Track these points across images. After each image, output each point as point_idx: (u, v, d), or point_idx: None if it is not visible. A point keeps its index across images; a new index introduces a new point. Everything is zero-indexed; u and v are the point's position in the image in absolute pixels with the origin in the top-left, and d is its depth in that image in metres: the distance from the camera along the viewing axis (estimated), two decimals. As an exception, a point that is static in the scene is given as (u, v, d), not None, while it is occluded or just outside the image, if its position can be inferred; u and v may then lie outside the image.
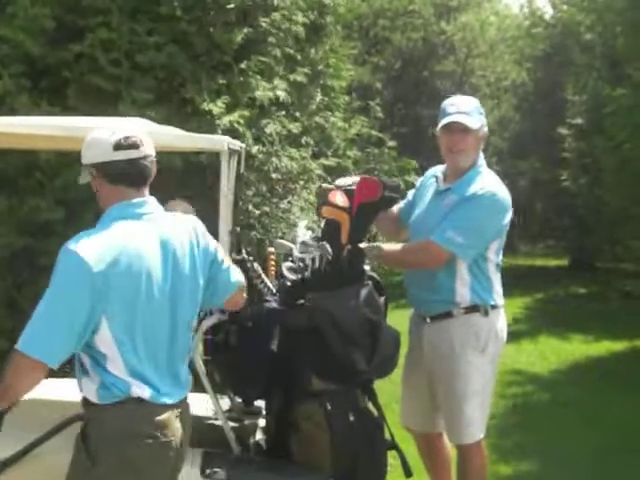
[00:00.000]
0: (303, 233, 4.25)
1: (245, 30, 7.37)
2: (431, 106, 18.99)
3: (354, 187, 4.27)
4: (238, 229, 4.26)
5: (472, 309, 4.47)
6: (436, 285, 4.48)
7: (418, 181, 5.00)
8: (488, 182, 4.50)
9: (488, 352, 4.48)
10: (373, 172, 12.25)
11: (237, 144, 4.33)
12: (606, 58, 15.70)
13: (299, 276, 4.06)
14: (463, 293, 4.46)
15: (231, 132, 6.62)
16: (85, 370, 3.16)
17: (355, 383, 4.03)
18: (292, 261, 4.16)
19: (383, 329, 4.05)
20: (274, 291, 4.21)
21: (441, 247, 4.35)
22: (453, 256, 4.38)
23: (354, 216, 4.14)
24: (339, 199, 4.16)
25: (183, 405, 3.33)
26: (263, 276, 4.25)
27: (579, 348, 10.79)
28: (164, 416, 3.18)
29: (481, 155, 4.62)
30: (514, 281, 13.24)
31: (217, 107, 6.77)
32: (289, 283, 4.09)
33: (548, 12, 21.31)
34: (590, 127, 15.91)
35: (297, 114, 7.99)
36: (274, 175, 7.50)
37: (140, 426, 3.13)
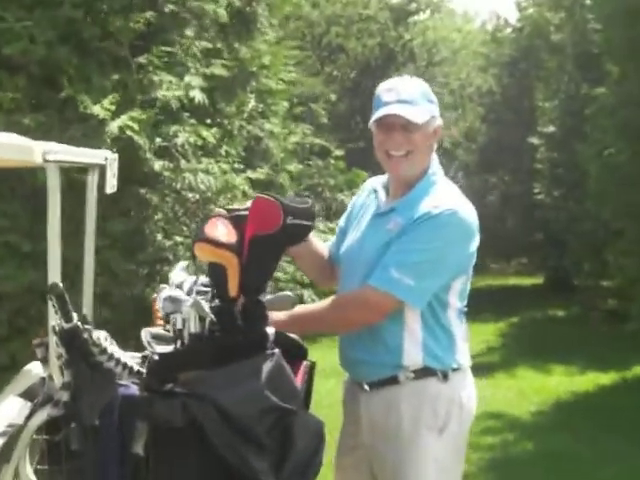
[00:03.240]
0: (178, 282, 2.93)
1: (148, 15, 5.94)
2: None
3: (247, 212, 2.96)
4: (59, 283, 2.90)
5: (425, 372, 3.24)
6: (377, 344, 3.25)
7: (351, 202, 3.69)
8: (445, 197, 3.22)
9: (449, 431, 3.25)
10: (317, 187, 11.17)
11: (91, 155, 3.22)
12: (577, 59, 15.05)
13: (169, 347, 2.84)
14: (413, 353, 3.23)
15: (124, 141, 5.24)
16: None
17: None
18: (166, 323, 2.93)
19: (298, 420, 2.87)
20: (135, 369, 2.95)
21: (383, 294, 3.11)
22: (400, 304, 3.14)
23: (247, 255, 2.85)
24: (220, 231, 2.85)
25: None
26: (111, 349, 2.93)
27: (562, 382, 9.75)
28: None
29: (435, 159, 3.33)
30: (486, 304, 12.42)
31: (103, 109, 5.30)
32: (156, 357, 2.85)
33: (513, 16, 20.94)
34: (563, 135, 15.36)
35: (215, 120, 6.57)
36: (190, 195, 6.10)
37: None
